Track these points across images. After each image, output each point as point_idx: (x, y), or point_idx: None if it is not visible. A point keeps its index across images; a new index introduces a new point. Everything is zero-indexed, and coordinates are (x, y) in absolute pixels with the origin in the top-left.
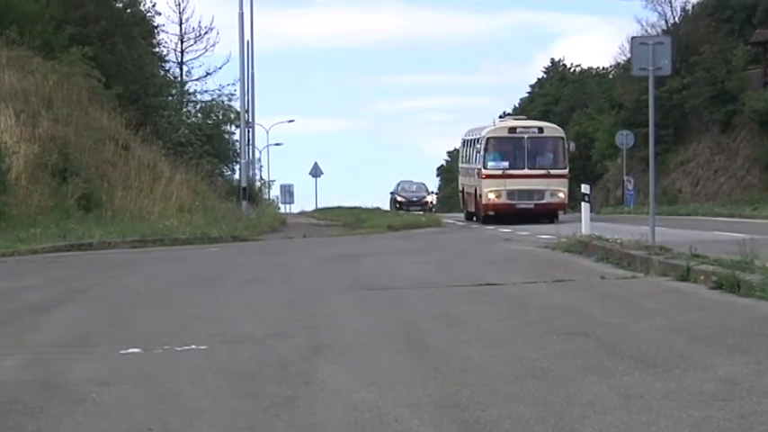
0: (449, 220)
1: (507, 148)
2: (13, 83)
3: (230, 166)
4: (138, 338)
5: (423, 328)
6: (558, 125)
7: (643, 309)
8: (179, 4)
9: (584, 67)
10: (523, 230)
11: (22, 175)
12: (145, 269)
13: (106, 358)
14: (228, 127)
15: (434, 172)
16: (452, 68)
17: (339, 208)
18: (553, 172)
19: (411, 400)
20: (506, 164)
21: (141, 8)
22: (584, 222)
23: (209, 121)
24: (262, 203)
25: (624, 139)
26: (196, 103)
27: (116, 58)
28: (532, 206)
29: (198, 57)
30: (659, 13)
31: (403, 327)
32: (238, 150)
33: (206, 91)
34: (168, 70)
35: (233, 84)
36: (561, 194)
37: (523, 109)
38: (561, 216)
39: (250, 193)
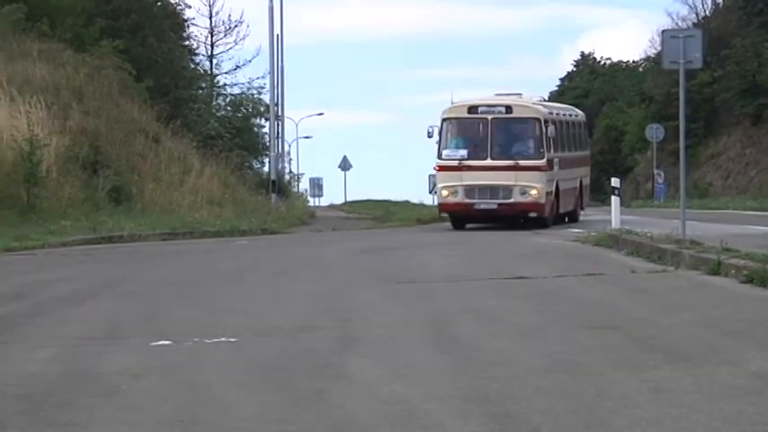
0: None
1: (466, 132)
2: (45, 76)
3: (260, 159)
4: (169, 331)
5: (452, 322)
6: (588, 118)
7: (674, 303)
8: None
9: (615, 60)
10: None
11: (53, 167)
12: (175, 262)
13: (137, 350)
14: (258, 120)
15: None
16: (480, 62)
17: (368, 201)
18: (524, 163)
19: (441, 394)
20: (464, 152)
21: (171, 1)
22: (614, 216)
23: (239, 114)
24: (291, 196)
25: (654, 132)
26: (226, 96)
27: (146, 51)
28: (495, 206)
29: (228, 50)
30: (690, 6)
31: (432, 320)
32: (268, 143)
33: (236, 84)
34: (198, 63)
35: (262, 77)
36: (534, 192)
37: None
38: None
39: (279, 186)
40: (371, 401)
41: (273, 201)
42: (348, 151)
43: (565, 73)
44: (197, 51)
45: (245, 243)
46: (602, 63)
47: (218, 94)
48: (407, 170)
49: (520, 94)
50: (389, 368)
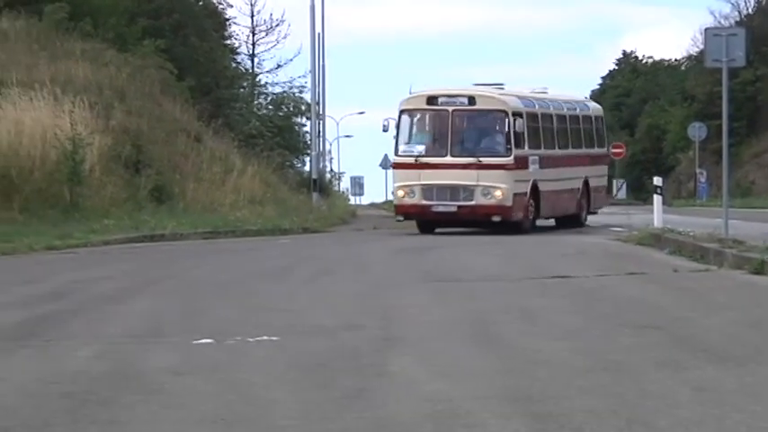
0: None
1: (425, 125)
2: (87, 75)
3: (301, 157)
4: (211, 329)
5: (494, 321)
6: (630, 117)
7: (716, 302)
8: None
9: (657, 58)
10: (595, 223)
11: (96, 166)
12: (217, 260)
13: (179, 348)
14: (299, 119)
15: None
16: (519, 61)
17: None
18: (487, 161)
19: (483, 393)
20: (422, 148)
21: (213, 1)
22: (657, 215)
23: (280, 113)
24: (332, 195)
25: (697, 131)
26: (267, 95)
27: (188, 51)
28: (454, 209)
29: (269, 49)
30: (732, 4)
31: (474, 319)
32: (309, 142)
33: (277, 83)
34: (240, 62)
35: (304, 76)
36: (498, 193)
37: (595, 101)
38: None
39: (320, 185)
40: (414, 400)
41: (314, 200)
42: (389, 149)
43: (606, 72)
44: (238, 50)
45: (286, 242)
46: (643, 62)
47: (260, 93)
48: None
49: (501, 85)
50: (431, 367)
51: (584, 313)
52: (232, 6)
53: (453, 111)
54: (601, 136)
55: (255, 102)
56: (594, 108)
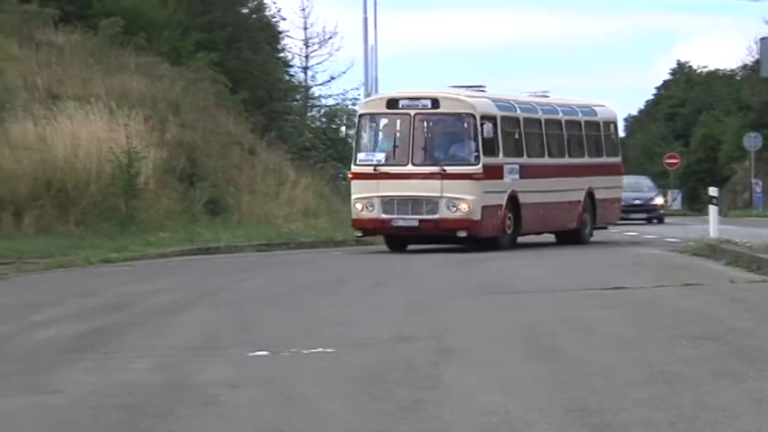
0: None
1: (385, 131)
2: (142, 89)
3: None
4: (266, 341)
5: (549, 332)
6: (684, 127)
7: None
8: (304, 10)
9: (711, 68)
10: (649, 233)
11: (151, 179)
12: (271, 273)
13: (234, 361)
14: (352, 131)
15: None
16: (570, 71)
17: None
18: (452, 170)
19: (539, 405)
20: (381, 156)
21: (267, 14)
22: (712, 225)
23: (333, 126)
24: None
25: (752, 141)
26: (320, 107)
27: (242, 64)
28: (416, 224)
29: (322, 61)
30: None
31: (529, 331)
32: None
33: (330, 95)
34: (293, 75)
35: (356, 88)
36: (464, 206)
37: (649, 111)
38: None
39: None
40: (469, 412)
41: None
42: None
43: (660, 82)
44: (291, 63)
45: (339, 254)
46: (698, 72)
47: (313, 106)
48: None
49: (482, 87)
50: (487, 379)
51: (641, 324)
52: (285, 19)
53: (416, 115)
54: (612, 144)
55: (308, 114)
56: (604, 113)
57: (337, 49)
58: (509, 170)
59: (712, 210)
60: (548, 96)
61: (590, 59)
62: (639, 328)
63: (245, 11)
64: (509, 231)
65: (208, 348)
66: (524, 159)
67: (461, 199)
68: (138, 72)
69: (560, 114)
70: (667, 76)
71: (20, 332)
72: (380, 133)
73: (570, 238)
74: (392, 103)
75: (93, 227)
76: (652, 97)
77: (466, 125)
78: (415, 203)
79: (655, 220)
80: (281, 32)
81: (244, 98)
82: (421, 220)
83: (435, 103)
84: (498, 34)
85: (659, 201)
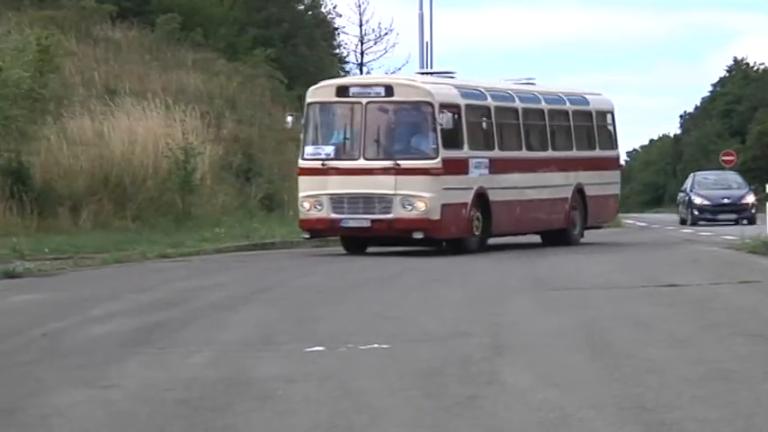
0: (628, 221)
1: (334, 122)
2: (198, 85)
3: None
4: (322, 336)
5: (604, 329)
6: (741, 124)
7: None
8: (359, 6)
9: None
10: (705, 231)
11: (208, 175)
12: (327, 268)
13: (291, 356)
14: None
15: None
16: (627, 68)
17: None
18: (408, 164)
19: (594, 401)
20: (330, 150)
21: (322, 10)
22: None
23: None
24: None
25: None
26: None
27: (298, 60)
28: (367, 224)
29: (377, 58)
30: None
31: (584, 327)
32: None
33: None
34: (348, 72)
35: None
36: (420, 204)
37: (704, 108)
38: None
39: None
40: (524, 408)
41: None
42: None
43: (717, 79)
44: (347, 59)
45: (395, 249)
46: (755, 69)
47: None
48: None
49: (452, 74)
50: (542, 375)
51: (697, 321)
52: (341, 16)
53: (368, 103)
54: (607, 135)
55: None
56: (598, 102)
57: (393, 46)
58: (476, 164)
59: None
60: (533, 84)
61: (645, 57)
62: (695, 326)
63: (300, 7)
64: (477, 232)
65: (264, 343)
66: (495, 153)
67: (418, 196)
68: (194, 68)
69: (543, 103)
70: (724, 73)
71: (77, 327)
72: (329, 124)
73: (557, 238)
74: (342, 90)
75: (149, 222)
76: (708, 94)
77: (423, 114)
78: (366, 202)
79: (745, 221)
80: (336, 29)
81: (299, 94)
82: (373, 220)
83: (389, 90)
84: (553, 31)
85: (750, 199)
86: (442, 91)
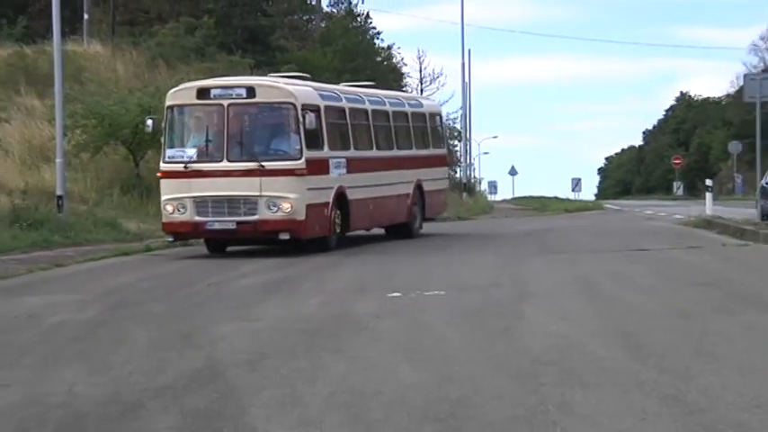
0: (609, 205)
1: (196, 124)
2: None
3: (454, 168)
4: (398, 286)
5: (595, 281)
6: (685, 138)
7: (755, 266)
8: (419, 58)
9: (704, 96)
10: (663, 212)
11: None
12: (392, 242)
13: (377, 299)
14: (453, 141)
15: (595, 172)
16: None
17: (530, 197)
18: (272, 165)
19: (591, 331)
20: (193, 153)
21: (394, 61)
22: (708, 206)
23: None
24: (476, 194)
25: (734, 147)
26: None
27: None
28: (233, 226)
29: (432, 93)
30: (759, 57)
31: (581, 280)
32: (460, 157)
33: None
34: None
35: (456, 111)
36: (286, 206)
37: (660, 127)
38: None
39: (468, 187)
40: (542, 336)
41: (464, 197)
42: (515, 161)
43: (668, 106)
44: None
45: (446, 226)
46: (696, 99)
47: None
48: (557, 173)
49: (305, 76)
50: (554, 313)
51: (659, 275)
52: (407, 65)
53: (229, 105)
54: (437, 135)
55: None
56: (429, 106)
57: (443, 84)
58: (335, 164)
59: (708, 195)
60: (374, 87)
61: (617, 91)
62: (659, 278)
63: (378, 59)
64: (337, 230)
65: (358, 291)
66: (351, 152)
67: (283, 198)
68: None
69: (387, 105)
70: (673, 102)
71: (231, 279)
72: (191, 127)
73: (400, 231)
74: (203, 92)
75: None
76: (662, 117)
77: (286, 115)
78: (231, 204)
79: None
80: (403, 74)
81: None
82: (239, 222)
83: (251, 91)
84: (554, 73)
85: None
86: (303, 92)
